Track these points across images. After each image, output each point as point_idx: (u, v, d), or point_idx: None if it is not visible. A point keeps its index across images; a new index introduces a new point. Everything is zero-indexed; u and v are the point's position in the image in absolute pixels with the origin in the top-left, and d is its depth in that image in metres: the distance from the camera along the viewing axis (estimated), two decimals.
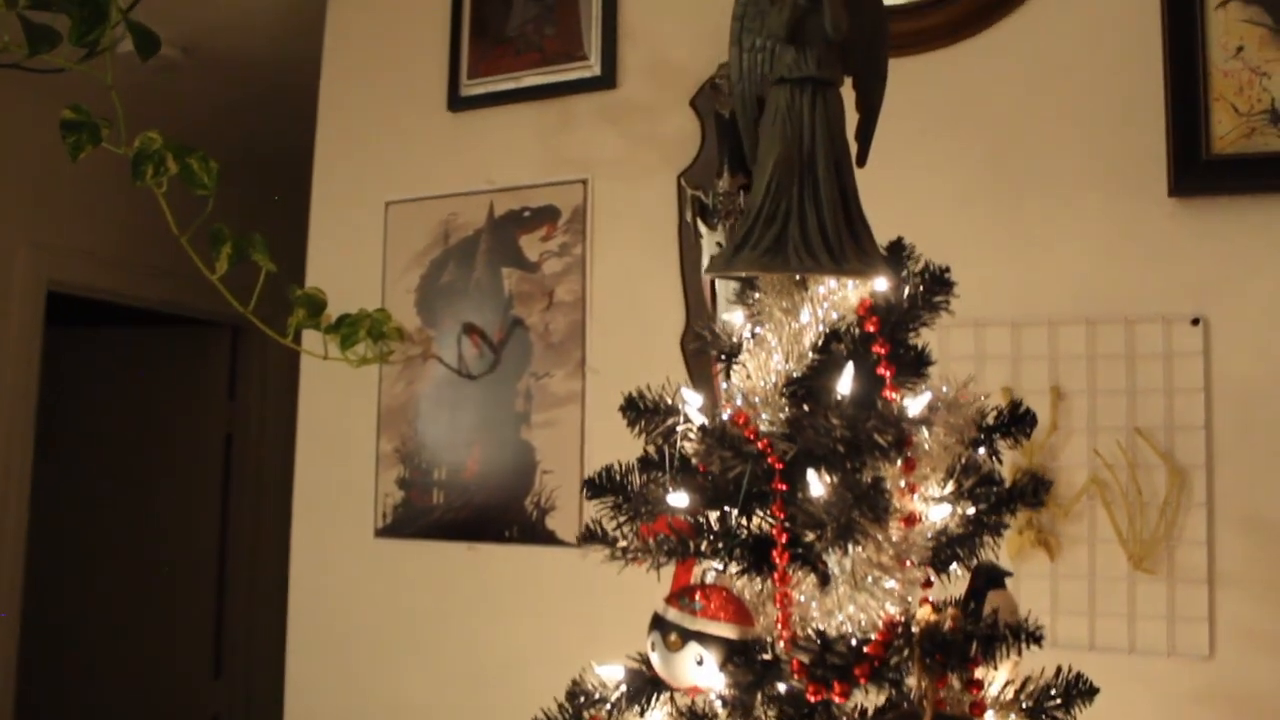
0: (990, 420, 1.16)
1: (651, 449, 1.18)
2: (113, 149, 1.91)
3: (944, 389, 1.14)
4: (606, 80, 2.31)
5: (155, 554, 4.55)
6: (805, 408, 1.08)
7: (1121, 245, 1.90)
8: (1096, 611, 1.87)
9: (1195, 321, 1.84)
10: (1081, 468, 1.89)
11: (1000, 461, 1.18)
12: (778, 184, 1.05)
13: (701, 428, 1.06)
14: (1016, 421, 1.17)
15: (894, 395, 1.05)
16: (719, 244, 2.12)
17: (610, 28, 2.31)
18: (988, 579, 1.15)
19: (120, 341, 4.67)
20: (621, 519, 1.18)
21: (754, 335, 1.15)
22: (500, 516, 2.32)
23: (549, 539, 2.27)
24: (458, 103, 2.46)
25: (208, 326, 4.45)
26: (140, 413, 4.64)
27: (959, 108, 2.03)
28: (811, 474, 1.00)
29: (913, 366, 1.11)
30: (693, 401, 1.12)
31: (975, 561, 1.16)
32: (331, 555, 2.53)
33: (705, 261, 2.15)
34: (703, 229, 2.14)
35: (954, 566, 1.16)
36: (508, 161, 2.42)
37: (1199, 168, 1.85)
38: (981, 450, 1.16)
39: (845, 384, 1.02)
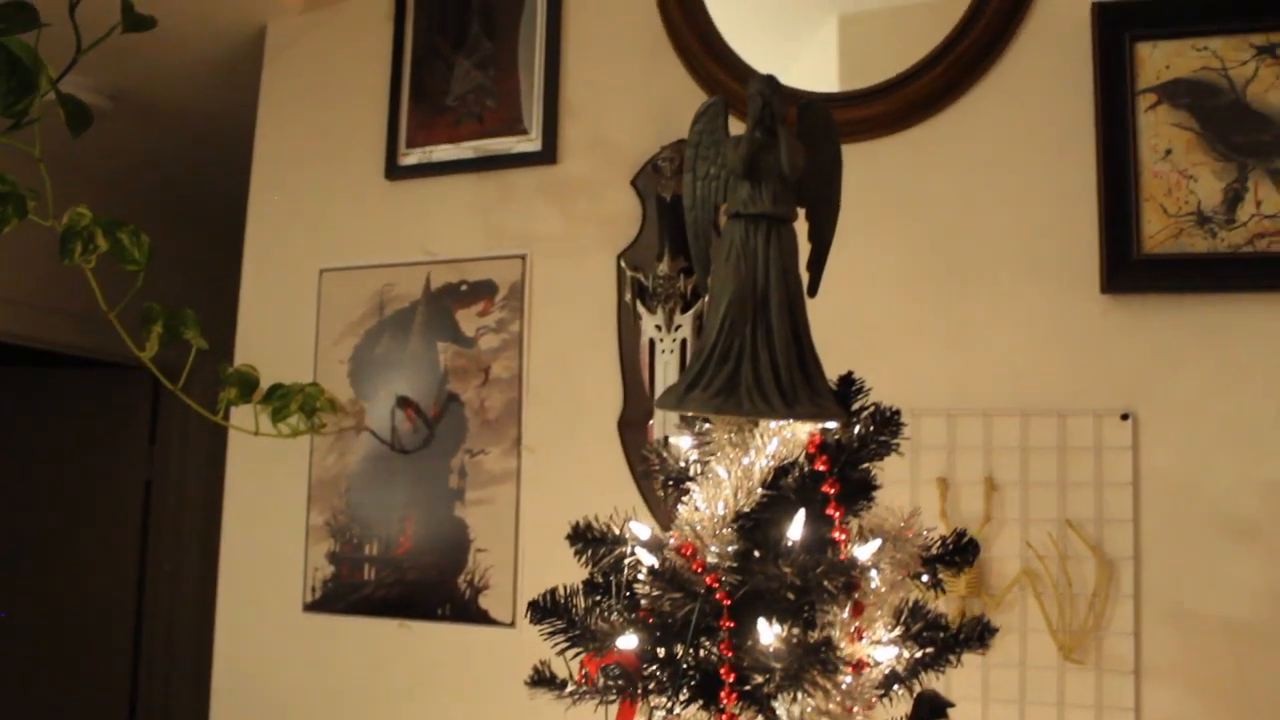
0: (935, 550, 1.16)
1: (598, 576, 1.16)
2: (40, 221, 1.85)
3: (888, 518, 1.14)
4: (547, 155, 2.30)
5: (69, 602, 4.41)
6: (754, 546, 1.07)
7: (1056, 339, 1.94)
8: (1027, 700, 1.89)
9: (1125, 416, 1.88)
10: (1014, 558, 1.91)
11: (944, 590, 1.19)
12: (731, 322, 1.05)
13: (651, 570, 1.05)
14: (960, 551, 1.17)
15: (842, 536, 1.05)
16: (657, 326, 2.12)
17: (552, 102, 2.30)
18: (930, 709, 1.15)
19: (36, 383, 4.55)
20: (565, 646, 1.15)
21: (703, 465, 1.14)
22: (433, 594, 2.29)
23: (482, 618, 2.24)
24: (395, 170, 2.43)
25: (128, 370, 4.34)
26: (57, 456, 4.51)
27: (900, 196, 2.06)
28: (762, 622, 0.99)
29: (859, 495, 1.11)
30: (641, 534, 1.11)
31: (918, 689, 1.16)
32: (258, 629, 2.47)
33: (644, 341, 2.15)
34: (642, 311, 2.14)
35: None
36: (445, 233, 2.39)
37: (1130, 266, 1.89)
38: (925, 578, 1.17)
39: (796, 530, 1.02)
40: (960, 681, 1.88)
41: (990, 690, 1.89)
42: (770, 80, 1.08)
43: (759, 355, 1.04)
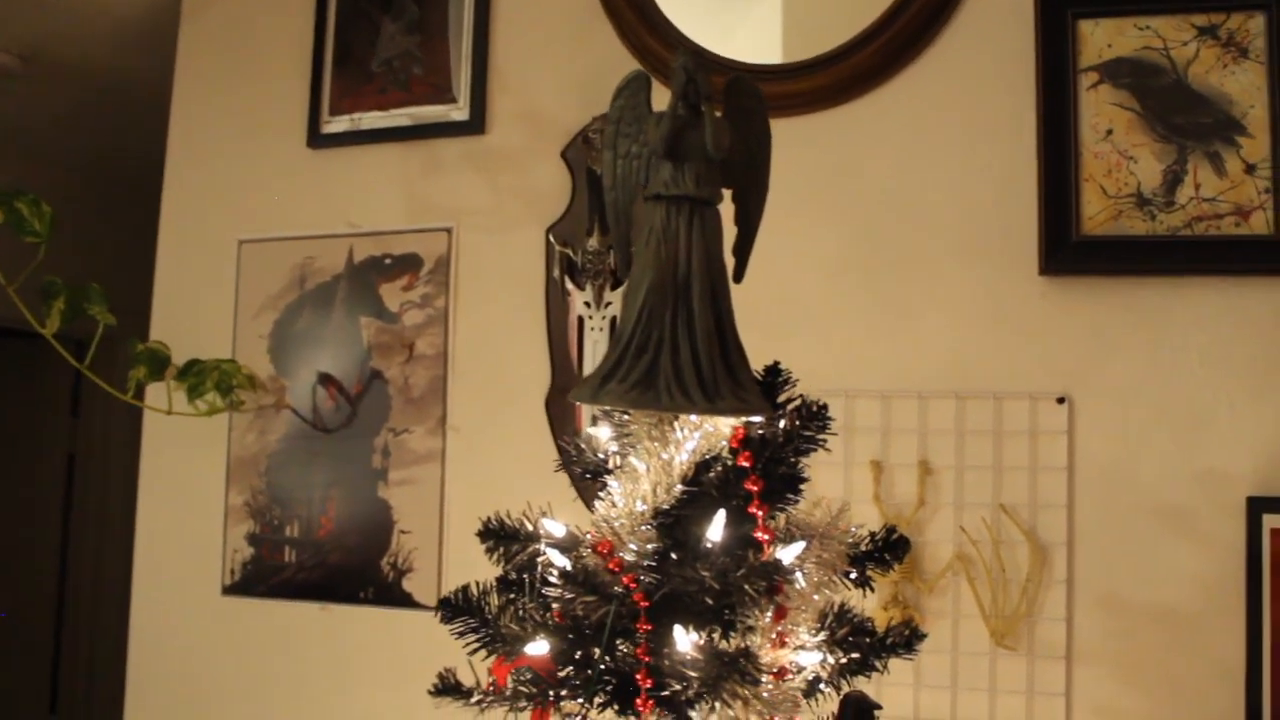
0: (864, 547, 1.12)
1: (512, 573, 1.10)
2: None
3: (815, 514, 1.10)
4: (475, 125, 2.21)
5: None
6: (674, 544, 1.02)
7: (992, 321, 1.90)
8: (959, 686, 1.87)
9: (1061, 400, 1.85)
10: (947, 543, 1.89)
11: (872, 589, 1.14)
12: (650, 311, 0.99)
13: (563, 573, 0.99)
14: (890, 548, 1.13)
15: (766, 536, 1.00)
16: (587, 303, 2.06)
17: (480, 70, 2.21)
18: (857, 712, 1.11)
19: None
20: (477, 647, 1.10)
21: (621, 459, 1.08)
22: (355, 577, 2.22)
23: (406, 601, 2.18)
24: (318, 139, 2.34)
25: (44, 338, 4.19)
26: None
27: (834, 174, 2.01)
28: (679, 629, 0.94)
29: (785, 492, 1.07)
30: (555, 532, 1.05)
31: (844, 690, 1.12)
32: (175, 612, 2.38)
33: (573, 319, 2.08)
34: (570, 287, 2.08)
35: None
36: (369, 204, 2.30)
37: (1069, 248, 1.86)
38: (853, 576, 1.12)
39: (716, 532, 0.97)
40: (891, 667, 1.86)
41: (922, 676, 1.87)
42: (695, 54, 1.02)
43: (679, 346, 0.98)
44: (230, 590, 2.33)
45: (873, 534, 1.14)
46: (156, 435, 2.43)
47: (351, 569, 2.22)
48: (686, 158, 1.02)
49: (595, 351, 2.05)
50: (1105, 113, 1.87)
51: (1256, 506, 1.73)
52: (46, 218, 1.76)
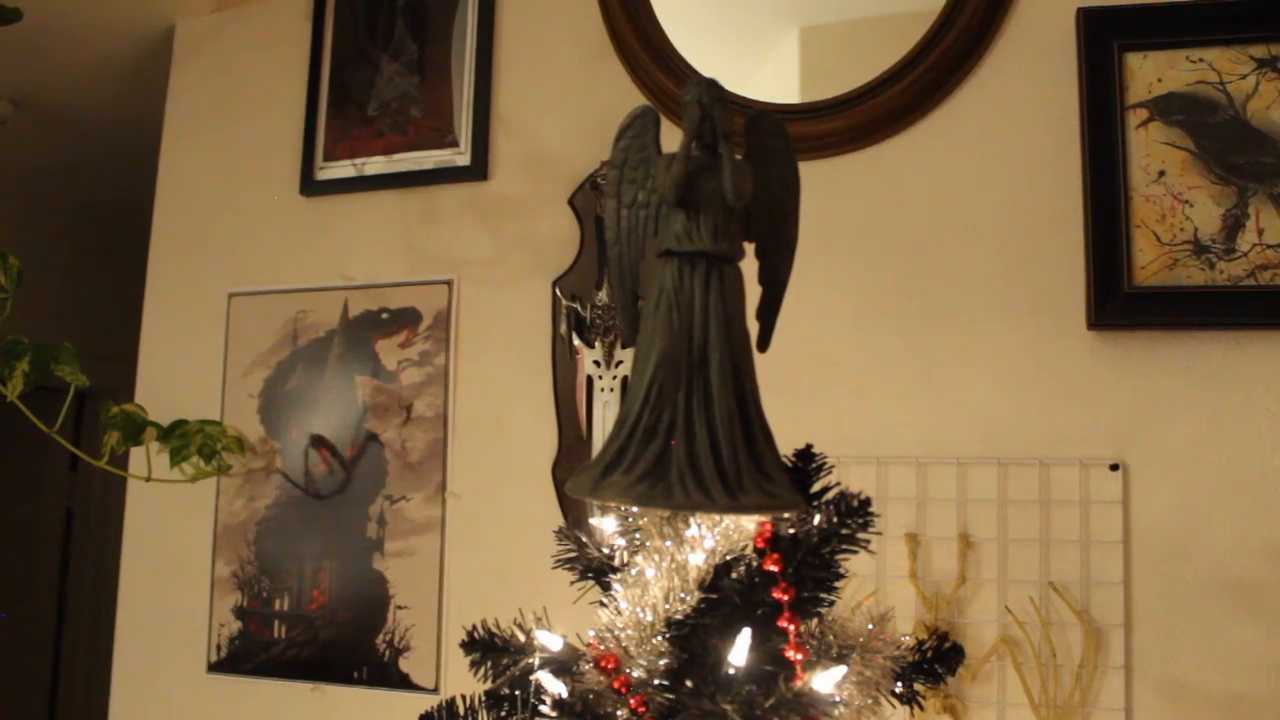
0: (911, 659, 0.96)
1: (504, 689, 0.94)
2: None
3: (854, 620, 0.94)
4: (477, 171, 2.08)
5: None
6: (690, 658, 0.86)
7: (1036, 380, 1.75)
8: None
9: (1114, 467, 1.70)
10: (991, 624, 1.73)
11: (921, 707, 0.98)
12: (660, 388, 0.84)
13: (559, 703, 0.83)
14: (942, 659, 0.97)
15: (798, 656, 0.84)
16: (596, 362, 1.91)
17: (483, 113, 2.08)
18: None
19: None
20: None
21: (627, 558, 0.93)
22: (349, 655, 2.06)
23: (402, 683, 2.02)
24: (311, 186, 2.21)
25: (48, 391, 4.07)
26: None
27: (862, 221, 1.86)
28: None
29: (818, 597, 0.91)
30: (550, 645, 0.90)
31: None
32: (158, 690, 2.23)
33: (581, 378, 1.94)
34: (578, 344, 1.93)
35: None
36: (365, 255, 2.17)
37: (1119, 299, 1.70)
38: (898, 692, 0.96)
39: (740, 655, 0.81)
40: None
41: None
42: (711, 85, 0.87)
43: (695, 431, 0.83)
44: (216, 667, 2.18)
45: (920, 642, 0.98)
46: (140, 501, 2.29)
47: (345, 647, 2.06)
48: (702, 207, 0.87)
49: (605, 414, 1.89)
50: (1156, 153, 1.72)
51: None
52: (13, 271, 1.63)
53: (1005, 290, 1.78)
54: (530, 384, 2.00)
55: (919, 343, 1.81)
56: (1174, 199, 1.71)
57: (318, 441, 2.12)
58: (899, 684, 0.95)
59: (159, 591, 2.26)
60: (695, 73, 1.91)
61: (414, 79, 2.14)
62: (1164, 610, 1.66)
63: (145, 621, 2.27)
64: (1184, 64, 1.73)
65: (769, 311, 0.96)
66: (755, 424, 0.87)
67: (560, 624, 1.02)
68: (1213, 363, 1.68)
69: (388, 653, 2.03)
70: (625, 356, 1.89)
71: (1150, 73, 1.74)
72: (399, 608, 2.04)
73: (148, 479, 1.97)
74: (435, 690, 2.00)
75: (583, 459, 1.92)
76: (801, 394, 1.82)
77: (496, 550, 2.00)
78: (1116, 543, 1.68)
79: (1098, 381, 1.72)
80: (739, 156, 0.89)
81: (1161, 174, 1.72)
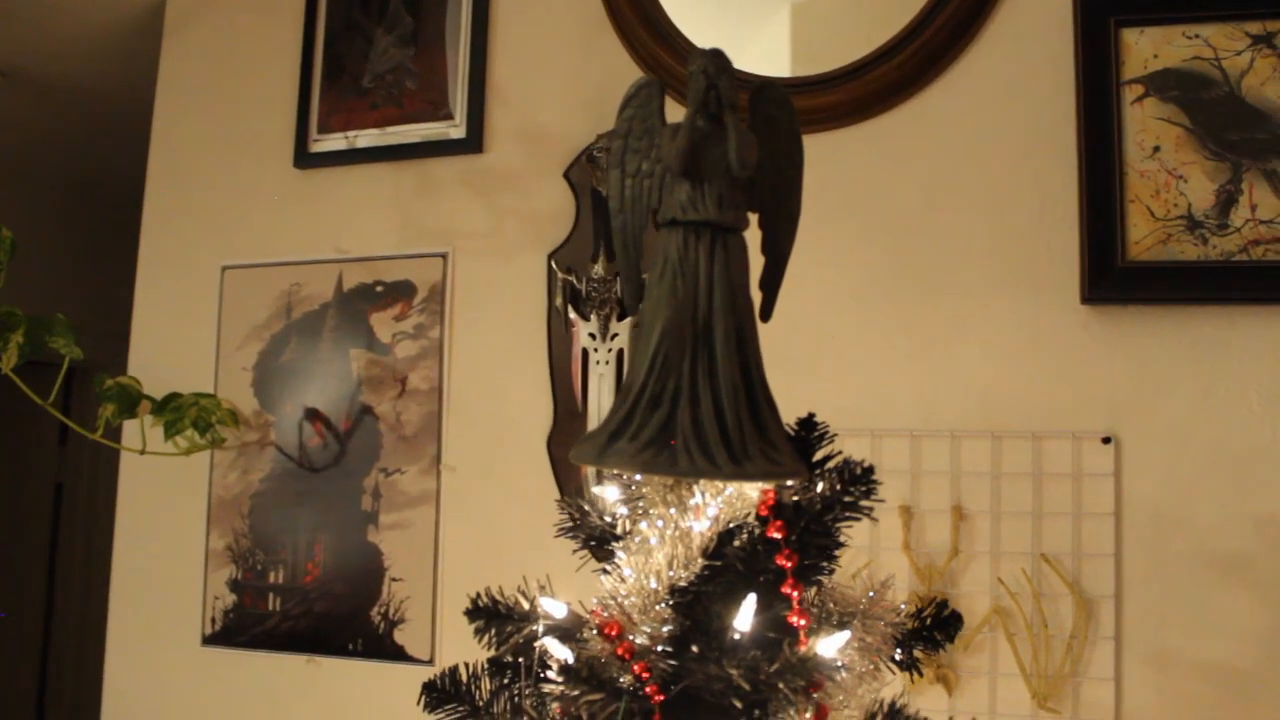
0: (910, 625, 0.97)
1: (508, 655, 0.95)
2: None
3: (853, 588, 0.95)
4: (472, 143, 2.08)
5: None
6: (693, 625, 0.87)
7: (1030, 354, 1.76)
8: None
9: (1106, 440, 1.71)
10: (983, 595, 1.74)
11: (920, 674, 0.99)
12: (665, 357, 0.84)
13: (565, 667, 0.84)
14: (940, 626, 0.98)
15: (802, 622, 0.85)
16: (591, 335, 1.91)
17: (479, 86, 2.08)
18: None
19: None
20: None
21: (630, 525, 0.94)
22: (344, 627, 2.07)
23: (398, 654, 2.03)
24: (305, 159, 2.20)
25: (36, 366, 4.06)
26: None
27: (859, 195, 1.86)
28: None
29: (820, 565, 0.91)
30: (555, 612, 0.90)
31: None
32: (152, 663, 2.23)
33: (576, 351, 1.94)
34: (574, 317, 1.93)
35: None
36: (360, 228, 2.17)
37: (1113, 274, 1.71)
38: (898, 659, 0.97)
39: (745, 621, 0.81)
40: None
41: None
42: (716, 55, 0.88)
43: (699, 398, 0.83)
44: (211, 640, 2.18)
45: (919, 609, 0.99)
46: (133, 474, 2.29)
47: (340, 619, 2.07)
48: (707, 177, 0.87)
49: (600, 386, 1.90)
50: (1152, 128, 1.73)
51: None
52: (6, 243, 1.62)
53: (1000, 264, 1.79)
54: (525, 357, 2.00)
55: (914, 316, 1.82)
56: (1168, 174, 1.72)
57: (312, 414, 2.12)
58: (898, 650, 0.96)
59: (153, 565, 2.26)
60: (692, 46, 1.90)
61: (409, 51, 2.13)
62: (1154, 581, 1.67)
63: (139, 595, 2.27)
64: (1180, 40, 1.74)
65: (772, 282, 0.97)
66: (759, 392, 0.87)
67: (559, 594, 1.03)
68: (1205, 337, 1.69)
69: (383, 625, 2.04)
70: (621, 329, 1.89)
71: (1146, 48, 1.74)
72: (394, 580, 2.04)
73: (142, 452, 1.97)
74: (430, 661, 2.01)
75: (578, 432, 1.92)
76: (797, 366, 1.83)
77: (491, 523, 2.01)
78: (1108, 515, 1.70)
79: (1091, 355, 1.73)
80: (744, 127, 0.89)
81: (1156, 149, 1.72)
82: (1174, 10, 1.74)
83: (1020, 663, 1.71)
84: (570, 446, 1.89)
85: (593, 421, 1.91)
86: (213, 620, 2.18)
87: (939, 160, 1.84)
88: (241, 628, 2.15)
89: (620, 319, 1.89)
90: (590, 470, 1.89)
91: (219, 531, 2.19)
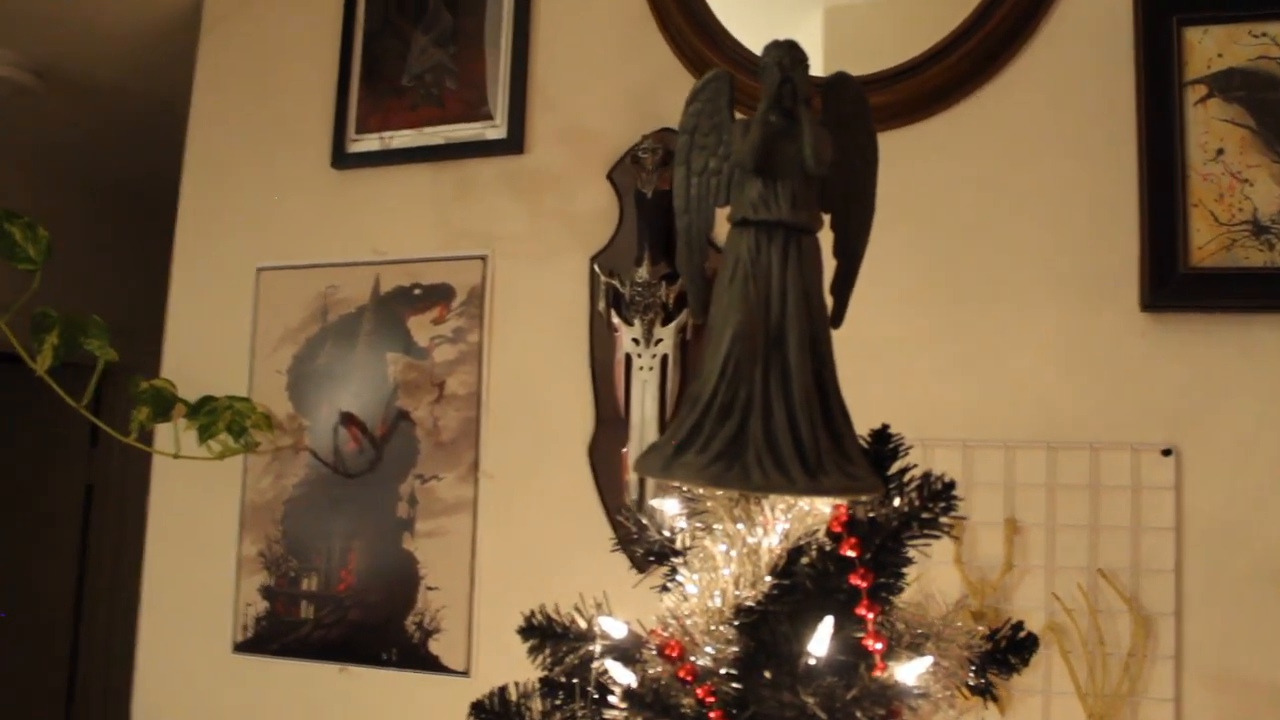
0: (984, 648, 0.92)
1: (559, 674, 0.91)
2: None
3: (928, 608, 0.90)
4: (513, 144, 2.04)
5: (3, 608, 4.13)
6: (756, 646, 0.83)
7: (1087, 362, 1.71)
8: None
9: (1167, 452, 1.66)
10: (1038, 611, 1.69)
11: (995, 699, 0.94)
12: (736, 365, 0.80)
13: (629, 693, 0.80)
14: (1016, 648, 0.93)
15: (879, 645, 0.80)
16: (635, 340, 1.87)
17: (520, 85, 2.04)
18: None
19: None
20: None
21: (693, 539, 0.89)
22: (377, 636, 2.03)
23: (433, 665, 1.99)
24: (343, 159, 2.17)
25: (68, 367, 4.05)
26: None
27: (910, 197, 1.81)
28: None
29: (893, 584, 0.87)
30: (614, 633, 0.86)
31: None
32: (183, 669, 2.20)
33: (619, 356, 1.90)
34: (617, 322, 1.89)
35: None
36: (398, 230, 2.13)
37: (1175, 281, 1.66)
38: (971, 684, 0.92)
39: (821, 645, 0.77)
40: None
41: None
42: (792, 46, 0.83)
43: (772, 409, 0.79)
44: (242, 647, 2.15)
45: (993, 631, 0.94)
46: (165, 478, 2.26)
47: (373, 628, 2.03)
48: (780, 174, 0.83)
49: (644, 393, 1.85)
50: (1215, 130, 1.68)
51: None
52: (43, 243, 1.60)
53: (1056, 270, 1.74)
54: (566, 362, 1.96)
55: (966, 322, 1.77)
56: (1233, 178, 1.66)
57: (347, 419, 2.09)
58: (973, 674, 0.91)
59: (184, 570, 2.23)
60: (738, 44, 1.87)
61: (448, 51, 2.10)
62: (1216, 599, 1.62)
63: (170, 600, 2.25)
64: (1245, 39, 1.68)
65: (844, 285, 0.92)
66: (834, 404, 0.83)
67: (612, 610, 0.99)
68: (1270, 346, 1.63)
69: (417, 634, 2.00)
70: (665, 334, 1.85)
71: (1210, 48, 1.69)
72: (429, 589, 2.01)
73: (175, 455, 1.94)
74: (466, 673, 1.97)
75: (620, 439, 1.88)
76: (844, 373, 1.76)
77: (530, 531, 1.97)
78: (1168, 529, 1.64)
79: (1150, 365, 1.68)
80: (818, 123, 0.85)
81: (1220, 152, 1.67)
82: (1239, 7, 1.68)
83: (1076, 681, 1.65)
84: (612, 454, 1.87)
85: (635, 429, 1.86)
86: (244, 627, 2.15)
87: (993, 163, 1.79)
88: (274, 635, 2.12)
89: (664, 324, 1.85)
90: (634, 478, 1.85)
91: (252, 537, 2.15)
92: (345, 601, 2.06)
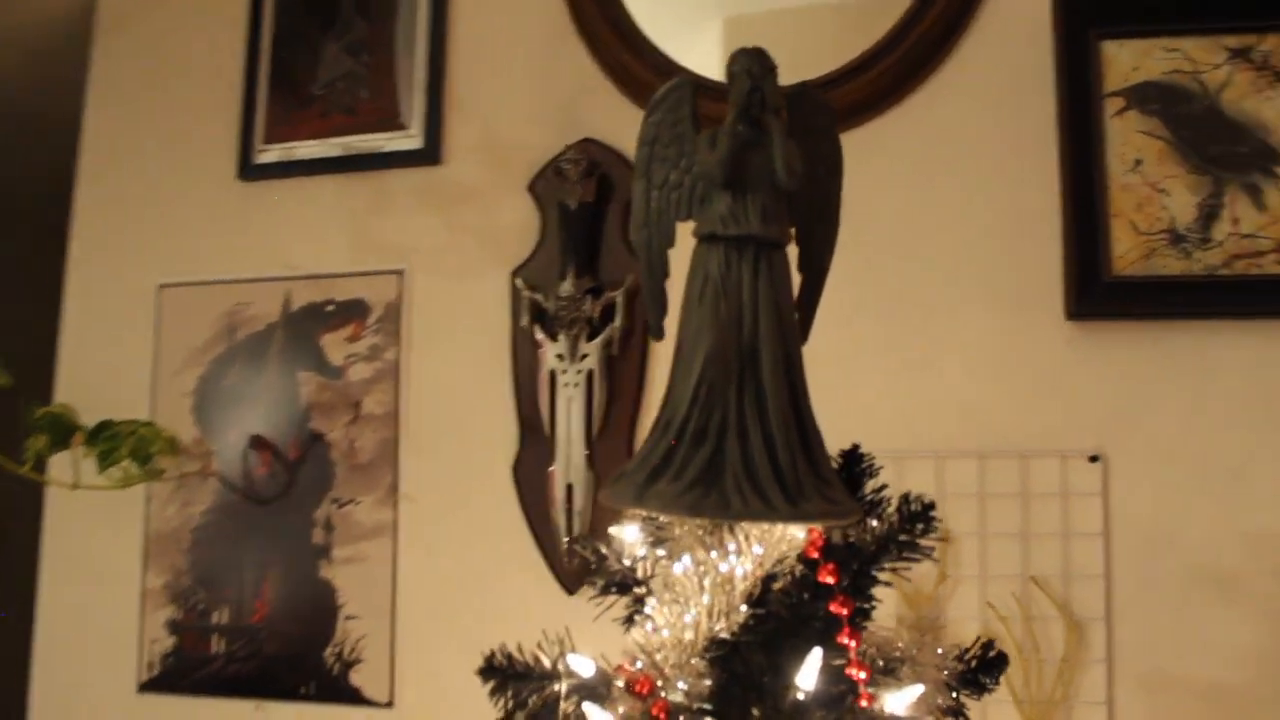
0: (957, 669, 0.90)
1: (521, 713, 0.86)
2: None
3: (900, 632, 0.88)
4: (430, 155, 1.98)
5: None
6: (728, 678, 0.79)
7: (1015, 371, 1.73)
8: None
9: (1094, 458, 1.68)
10: (972, 620, 1.70)
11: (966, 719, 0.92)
12: (710, 386, 0.76)
13: None
14: (986, 667, 0.91)
15: (863, 674, 0.78)
16: (559, 356, 1.83)
17: (436, 94, 1.98)
18: None
19: None
20: None
21: (658, 567, 0.85)
22: (294, 669, 1.95)
23: (353, 697, 1.92)
24: (250, 170, 2.09)
25: None
26: None
27: None
28: None
29: (868, 609, 0.84)
30: (583, 672, 0.82)
31: None
32: (83, 713, 2.09)
33: (543, 373, 1.85)
34: (541, 337, 1.85)
35: None
36: (309, 244, 2.06)
37: (1097, 289, 1.69)
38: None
39: (809, 678, 0.74)
40: None
41: None
42: (760, 55, 0.80)
43: (748, 432, 0.76)
44: (148, 686, 2.04)
45: (963, 650, 0.93)
46: (61, 507, 2.14)
47: (290, 660, 1.96)
48: (749, 188, 0.80)
49: (569, 409, 1.81)
50: (1133, 141, 1.71)
51: None
52: None
53: (982, 280, 1.75)
54: (488, 379, 1.92)
55: (893, 333, 1.78)
56: (1151, 188, 1.69)
57: (258, 442, 2.01)
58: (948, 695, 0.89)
59: (83, 606, 2.11)
60: (664, 55, 1.84)
61: (361, 58, 2.03)
62: (1145, 602, 1.65)
63: (68, 639, 2.13)
64: (1160, 53, 1.72)
65: (810, 299, 0.90)
66: (809, 425, 0.80)
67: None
68: (1190, 352, 1.68)
69: (337, 666, 1.93)
70: (590, 350, 1.81)
71: (1126, 61, 1.72)
72: (349, 618, 1.93)
73: (74, 487, 1.83)
74: (390, 704, 1.90)
75: (546, 457, 1.84)
76: None
77: (453, 554, 1.91)
78: (1097, 535, 1.67)
79: (1076, 373, 1.71)
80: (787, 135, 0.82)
81: (1138, 163, 1.70)
82: (1154, 22, 1.73)
83: (1012, 688, 1.66)
84: (537, 473, 1.82)
85: (561, 446, 1.82)
86: (150, 665, 2.04)
87: (917, 174, 1.80)
88: (182, 672, 2.02)
89: (589, 339, 1.81)
90: (560, 496, 1.81)
91: (156, 569, 2.05)
92: (259, 634, 1.98)
